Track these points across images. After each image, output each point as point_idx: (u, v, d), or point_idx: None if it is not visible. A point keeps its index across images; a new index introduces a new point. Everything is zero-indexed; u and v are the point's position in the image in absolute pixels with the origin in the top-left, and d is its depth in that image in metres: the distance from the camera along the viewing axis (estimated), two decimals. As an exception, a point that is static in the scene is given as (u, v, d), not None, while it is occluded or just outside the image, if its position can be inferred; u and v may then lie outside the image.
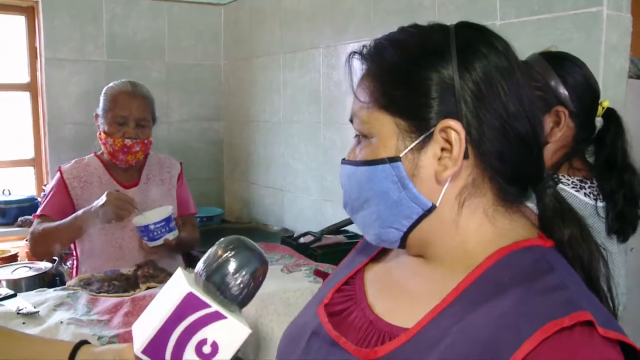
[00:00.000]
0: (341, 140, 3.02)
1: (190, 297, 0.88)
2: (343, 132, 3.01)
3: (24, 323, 1.63)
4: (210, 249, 0.93)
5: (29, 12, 3.80)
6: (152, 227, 2.17)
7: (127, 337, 1.49)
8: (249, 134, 3.88)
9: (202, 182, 4.07)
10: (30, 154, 3.96)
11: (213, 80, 4.16)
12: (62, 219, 2.30)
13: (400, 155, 0.81)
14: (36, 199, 3.66)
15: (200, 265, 0.93)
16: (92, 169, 2.44)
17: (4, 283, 3.38)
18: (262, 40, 3.67)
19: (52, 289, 1.99)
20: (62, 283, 3.46)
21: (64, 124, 3.75)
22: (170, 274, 2.04)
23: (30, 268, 3.33)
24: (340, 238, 2.24)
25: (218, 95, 4.18)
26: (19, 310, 1.69)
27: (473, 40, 0.83)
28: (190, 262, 3.22)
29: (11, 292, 1.89)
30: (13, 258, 3.70)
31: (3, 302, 1.81)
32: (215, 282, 0.91)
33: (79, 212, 2.24)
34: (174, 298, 0.88)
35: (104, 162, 2.47)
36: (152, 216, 2.20)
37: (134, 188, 2.45)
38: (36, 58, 3.82)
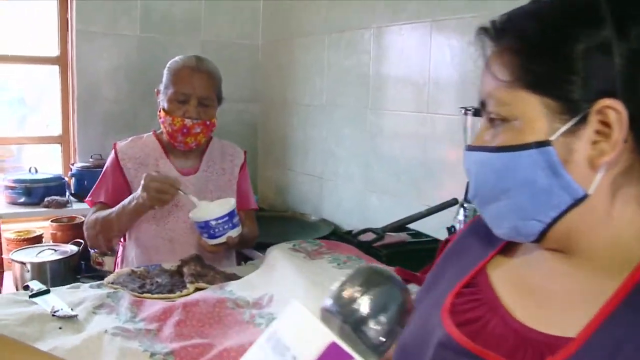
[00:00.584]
0: (390, 127, 2.77)
1: (332, 347, 0.62)
2: (392, 118, 2.75)
3: (60, 328, 1.40)
4: (341, 284, 0.68)
5: (61, -16, 3.57)
6: (213, 222, 1.88)
7: (183, 355, 1.26)
8: (286, 117, 3.64)
9: None
10: (57, 130, 3.75)
11: (250, 60, 3.90)
12: (116, 205, 2.09)
13: (551, 139, 0.72)
14: (63, 179, 3.44)
15: (330, 303, 0.68)
16: (149, 149, 2.21)
17: (28, 266, 3.17)
18: (305, 19, 3.41)
19: (87, 285, 1.76)
20: (88, 268, 3.26)
21: (94, 100, 3.52)
22: (219, 273, 1.81)
23: (56, 251, 3.12)
24: (403, 236, 2.00)
25: (255, 76, 3.92)
26: (55, 312, 1.46)
27: (628, 4, 0.71)
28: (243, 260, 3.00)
29: (44, 287, 1.66)
30: (38, 239, 3.50)
31: (36, 300, 1.59)
32: (355, 326, 0.66)
33: (127, 198, 2.01)
34: (310, 347, 0.62)
35: (162, 143, 2.23)
36: (213, 210, 1.92)
37: (193, 175, 2.21)
38: (67, 30, 3.59)
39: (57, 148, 3.77)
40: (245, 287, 1.55)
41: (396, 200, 2.74)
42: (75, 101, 3.53)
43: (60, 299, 1.56)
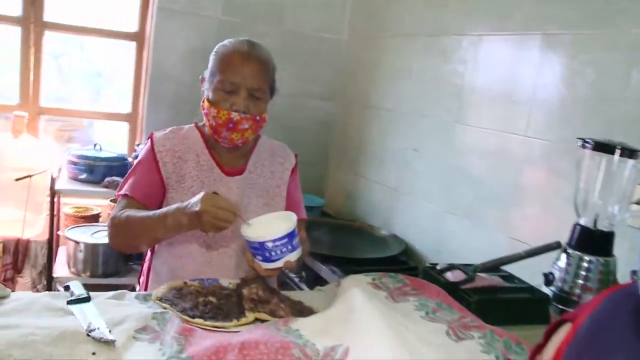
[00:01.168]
0: (480, 145, 2.46)
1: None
2: (484, 136, 2.44)
3: (94, 354, 1.15)
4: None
5: (147, -42, 3.38)
6: (269, 244, 1.55)
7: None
8: (365, 120, 3.35)
9: (304, 166, 3.48)
10: (127, 108, 3.57)
11: (332, 55, 3.62)
12: (148, 202, 1.81)
13: None
14: (126, 159, 3.25)
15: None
16: (190, 143, 1.91)
17: (82, 246, 3.00)
18: (397, 18, 3.11)
19: (133, 295, 1.51)
20: (140, 254, 3.04)
21: (166, 81, 3.31)
22: (283, 300, 1.53)
23: (111, 235, 2.94)
24: (496, 280, 1.69)
25: (335, 72, 3.65)
26: (90, 331, 1.23)
27: None
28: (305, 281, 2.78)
29: (84, 293, 1.43)
30: (95, 218, 3.33)
31: (73, 308, 1.36)
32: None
33: (172, 208, 1.66)
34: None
35: (205, 138, 1.92)
36: (270, 228, 1.60)
37: (238, 177, 1.91)
38: (147, 7, 3.40)
39: (125, 126, 3.59)
40: (316, 329, 1.27)
41: (478, 227, 2.44)
42: (148, 79, 3.33)
43: (99, 312, 1.33)
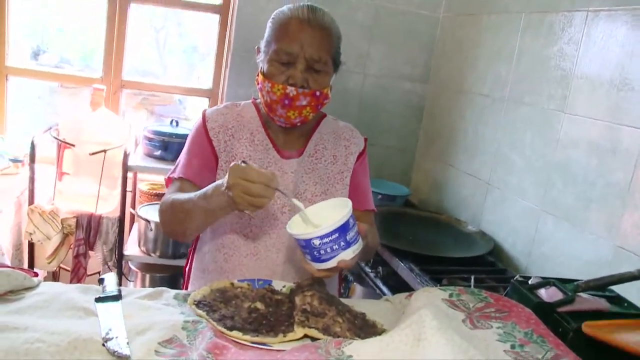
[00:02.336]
0: (588, 139, 2.11)
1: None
2: (594, 129, 2.09)
3: (104, 368, 0.99)
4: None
5: None
6: (316, 242, 1.27)
7: None
8: (458, 106, 3.04)
9: (390, 151, 3.32)
10: (208, 84, 3.42)
11: (427, 34, 3.32)
12: (202, 182, 1.59)
13: None
14: (203, 137, 3.11)
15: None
16: (245, 120, 1.70)
17: (152, 225, 2.88)
18: (499, -7, 2.79)
19: (172, 294, 1.32)
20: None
21: (248, 56, 3.12)
22: (342, 313, 1.29)
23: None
24: (601, 303, 1.37)
25: (429, 53, 3.34)
26: (106, 340, 1.05)
27: None
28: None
29: (115, 291, 1.25)
30: (168, 196, 3.22)
31: (99, 306, 1.19)
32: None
33: (210, 187, 1.44)
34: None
35: (262, 115, 1.72)
36: (319, 219, 1.34)
37: (295, 159, 1.69)
38: (233, -23, 3.23)
39: (205, 102, 3.46)
40: (374, 357, 1.02)
41: (579, 230, 2.11)
42: (230, 54, 3.16)
43: (126, 314, 1.15)
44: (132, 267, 3.09)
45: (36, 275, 1.29)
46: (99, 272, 3.04)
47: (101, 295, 1.24)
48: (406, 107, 3.37)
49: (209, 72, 3.39)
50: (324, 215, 1.36)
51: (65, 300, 1.20)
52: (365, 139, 1.83)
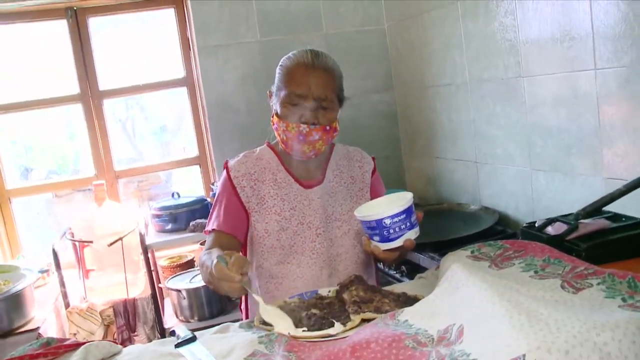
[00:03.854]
0: (551, 93, 2.32)
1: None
2: (553, 83, 2.30)
3: (209, 390, 1.16)
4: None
5: (178, 3, 3.43)
6: (387, 221, 1.49)
7: None
8: (427, 102, 3.26)
9: (379, 162, 3.43)
10: (194, 152, 3.62)
11: (378, 46, 3.56)
12: (236, 231, 1.82)
13: None
14: (206, 200, 3.29)
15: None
16: (265, 162, 1.91)
17: (184, 293, 3.04)
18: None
19: (237, 325, 1.50)
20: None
21: (226, 115, 3.33)
22: (386, 295, 1.48)
23: (209, 275, 2.98)
24: (602, 222, 1.57)
25: (385, 62, 3.58)
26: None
27: None
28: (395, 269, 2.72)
29: (189, 334, 1.43)
30: (190, 264, 3.38)
31: (181, 350, 1.36)
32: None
33: (213, 256, 1.54)
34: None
35: (278, 154, 1.92)
36: (386, 206, 1.56)
37: (318, 187, 1.89)
38: (189, 49, 3.45)
39: (197, 170, 3.65)
40: (424, 314, 1.21)
41: (569, 177, 2.30)
42: (206, 119, 3.37)
43: (207, 348, 1.32)
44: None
45: (116, 342, 1.46)
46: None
47: (179, 341, 1.41)
48: (380, 118, 3.59)
49: (191, 142, 3.59)
50: (383, 204, 1.63)
51: (151, 353, 1.37)
52: (373, 158, 2.07)
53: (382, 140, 3.59)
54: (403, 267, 2.68)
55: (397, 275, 2.72)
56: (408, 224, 1.52)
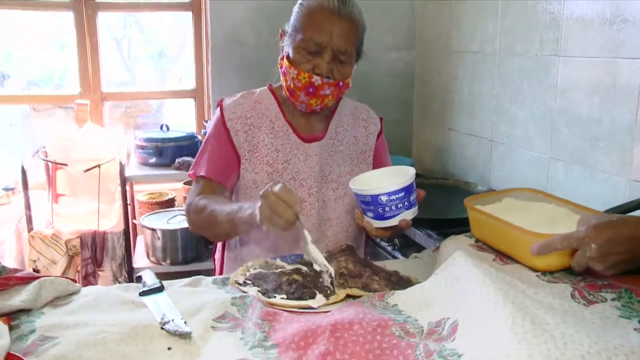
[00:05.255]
0: (587, 79, 2.23)
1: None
2: (591, 68, 2.21)
3: (169, 349, 1.09)
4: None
5: None
6: (384, 198, 1.44)
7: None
8: (449, 67, 3.17)
9: (387, 124, 3.38)
10: (191, 84, 3.53)
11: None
12: (225, 180, 1.76)
13: None
14: (196, 137, 3.22)
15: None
16: (263, 107, 1.83)
17: (159, 233, 3.00)
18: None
19: (210, 280, 1.45)
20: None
21: (230, 47, 3.23)
22: (377, 272, 1.42)
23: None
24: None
25: (409, 18, 3.46)
26: (164, 324, 1.16)
27: None
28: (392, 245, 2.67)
29: (157, 282, 1.38)
30: (170, 203, 3.34)
31: (145, 299, 1.31)
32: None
33: (239, 207, 1.57)
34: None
35: (279, 100, 1.84)
36: (384, 181, 1.52)
37: (317, 143, 1.82)
38: (199, -31, 3.34)
39: (191, 103, 3.57)
40: (417, 302, 1.15)
41: (591, 172, 2.24)
42: (209, 50, 3.27)
43: (174, 301, 1.27)
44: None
45: (75, 282, 1.41)
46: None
47: (145, 289, 1.35)
48: (396, 77, 3.50)
49: (189, 72, 3.50)
50: (380, 178, 1.58)
51: (112, 298, 1.32)
52: (381, 119, 1.99)
53: (394, 101, 3.51)
54: (396, 240, 2.64)
55: (389, 248, 2.68)
56: (406, 203, 1.47)
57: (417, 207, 1.52)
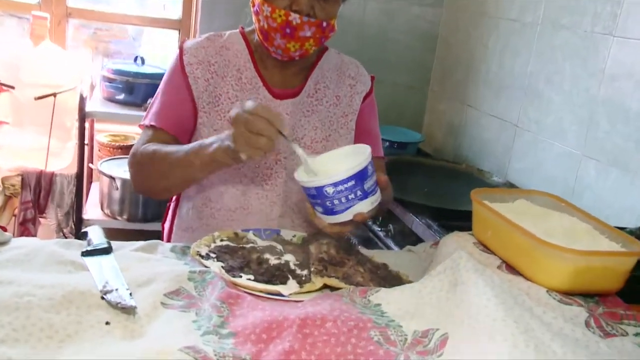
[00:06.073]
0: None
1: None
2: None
3: (107, 323, 1.07)
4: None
5: None
6: (329, 190, 1.35)
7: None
8: (479, 33, 3.14)
9: (398, 90, 3.43)
10: (176, 13, 3.48)
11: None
12: (179, 132, 1.73)
13: None
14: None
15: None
16: (231, 54, 1.78)
17: (118, 183, 2.96)
18: None
19: (169, 247, 1.43)
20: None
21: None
22: (362, 262, 1.41)
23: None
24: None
25: (443, -32, 3.45)
26: (105, 293, 1.15)
27: None
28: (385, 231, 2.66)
29: (104, 242, 1.36)
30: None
31: (88, 260, 1.29)
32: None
33: (199, 144, 1.53)
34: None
35: (251, 47, 1.79)
36: (332, 167, 1.43)
37: (291, 100, 1.78)
38: None
39: (174, 36, 3.53)
40: (404, 306, 1.14)
41: (631, 178, 2.22)
42: (202, -26, 3.23)
43: (121, 268, 1.25)
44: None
45: (5, 230, 1.39)
46: (52, 241, 3.13)
47: (88, 249, 1.34)
48: (416, 37, 3.47)
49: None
50: (333, 166, 1.45)
51: (48, 254, 1.29)
52: (373, 77, 1.94)
53: (410, 64, 3.49)
54: (390, 225, 2.63)
55: (381, 234, 2.67)
56: (359, 192, 1.38)
57: (377, 194, 1.44)
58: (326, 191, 1.37)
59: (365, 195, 1.40)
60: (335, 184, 1.36)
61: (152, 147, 1.64)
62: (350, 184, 1.36)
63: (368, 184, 1.40)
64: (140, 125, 1.80)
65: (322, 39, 1.69)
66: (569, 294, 1.22)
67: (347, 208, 1.39)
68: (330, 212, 1.41)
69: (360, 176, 1.37)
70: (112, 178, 2.97)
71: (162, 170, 1.61)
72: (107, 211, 3.05)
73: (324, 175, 1.39)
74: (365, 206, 1.40)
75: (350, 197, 1.37)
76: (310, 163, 1.43)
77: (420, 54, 3.50)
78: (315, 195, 1.39)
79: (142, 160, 1.66)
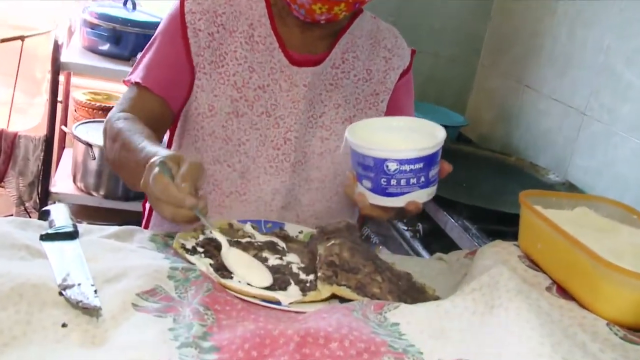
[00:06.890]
0: None
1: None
2: None
3: (64, 325, 1.05)
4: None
5: None
6: (393, 166, 1.37)
7: None
8: (544, 3, 3.14)
9: (440, 63, 3.42)
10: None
11: None
12: (169, 95, 1.71)
13: None
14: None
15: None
16: (244, 5, 1.75)
17: (95, 152, 2.96)
18: None
19: (147, 236, 1.43)
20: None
21: None
22: (381, 270, 1.40)
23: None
24: None
25: None
26: (66, 287, 1.13)
27: None
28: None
29: (70, 226, 1.35)
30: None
31: (47, 247, 1.29)
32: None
33: (142, 150, 1.45)
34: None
35: (270, 3, 1.77)
36: (397, 137, 1.46)
37: (311, 69, 1.75)
38: None
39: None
40: (428, 326, 1.15)
41: None
42: None
43: (88, 258, 1.25)
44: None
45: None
46: (10, 216, 3.15)
47: (49, 232, 1.33)
48: (465, 6, 3.50)
49: None
50: (386, 130, 1.51)
51: (3, 236, 1.29)
52: (413, 51, 1.93)
53: (458, 32, 3.52)
54: (419, 225, 2.62)
55: (407, 234, 2.66)
56: (422, 179, 1.40)
57: (436, 186, 1.46)
58: (387, 166, 1.38)
59: (428, 183, 1.42)
60: (401, 161, 1.37)
61: (121, 123, 1.61)
62: (417, 166, 1.38)
63: (432, 172, 1.42)
64: (124, 82, 1.80)
65: (356, 3, 1.65)
66: (636, 330, 1.21)
67: (403, 193, 1.41)
68: (381, 191, 1.42)
69: (430, 160, 1.39)
70: (88, 145, 2.98)
71: (119, 158, 1.59)
72: (80, 184, 3.06)
73: (389, 146, 1.40)
74: (422, 196, 1.42)
75: (412, 181, 1.39)
76: (231, 252, 1.38)
77: (470, 20, 3.52)
78: (370, 166, 1.40)
79: (110, 134, 1.64)
